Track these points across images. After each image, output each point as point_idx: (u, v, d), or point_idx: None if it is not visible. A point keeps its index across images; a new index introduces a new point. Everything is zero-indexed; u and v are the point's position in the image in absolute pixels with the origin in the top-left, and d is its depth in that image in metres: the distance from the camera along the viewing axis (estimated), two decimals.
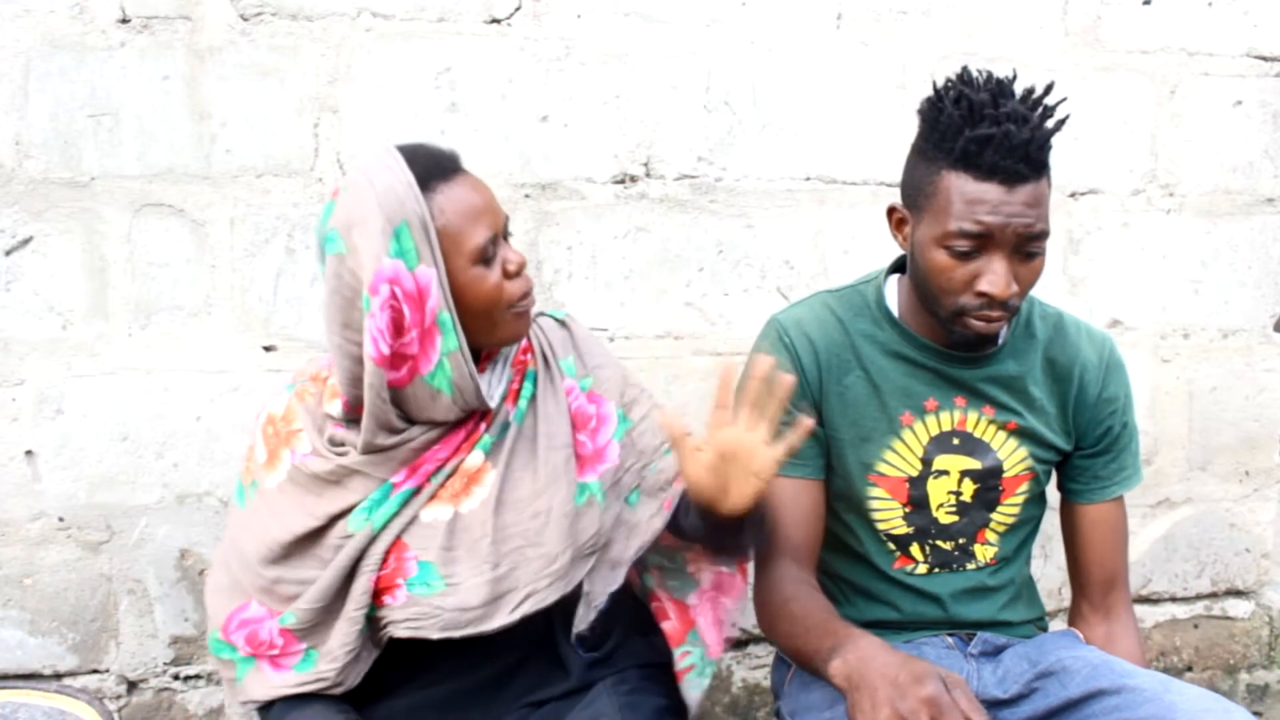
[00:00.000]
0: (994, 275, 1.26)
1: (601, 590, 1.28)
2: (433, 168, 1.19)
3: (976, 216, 1.24)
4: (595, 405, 1.34)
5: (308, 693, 1.23)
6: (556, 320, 1.41)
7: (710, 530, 1.24)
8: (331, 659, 1.22)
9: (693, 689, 1.35)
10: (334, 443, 1.25)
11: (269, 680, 1.24)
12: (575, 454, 1.30)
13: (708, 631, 1.42)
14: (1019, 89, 1.27)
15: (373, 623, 1.24)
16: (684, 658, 1.38)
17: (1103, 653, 1.39)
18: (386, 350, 1.16)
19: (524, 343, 1.33)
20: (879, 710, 1.07)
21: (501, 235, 1.24)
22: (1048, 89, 1.29)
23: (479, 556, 1.21)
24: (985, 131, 1.23)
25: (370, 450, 1.22)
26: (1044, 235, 1.27)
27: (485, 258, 1.20)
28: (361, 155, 1.20)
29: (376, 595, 1.22)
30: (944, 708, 1.04)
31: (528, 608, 1.21)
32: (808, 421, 1.14)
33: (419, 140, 1.26)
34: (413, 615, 1.21)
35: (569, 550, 1.24)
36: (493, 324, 1.23)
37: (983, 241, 1.25)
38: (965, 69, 1.30)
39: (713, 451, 1.13)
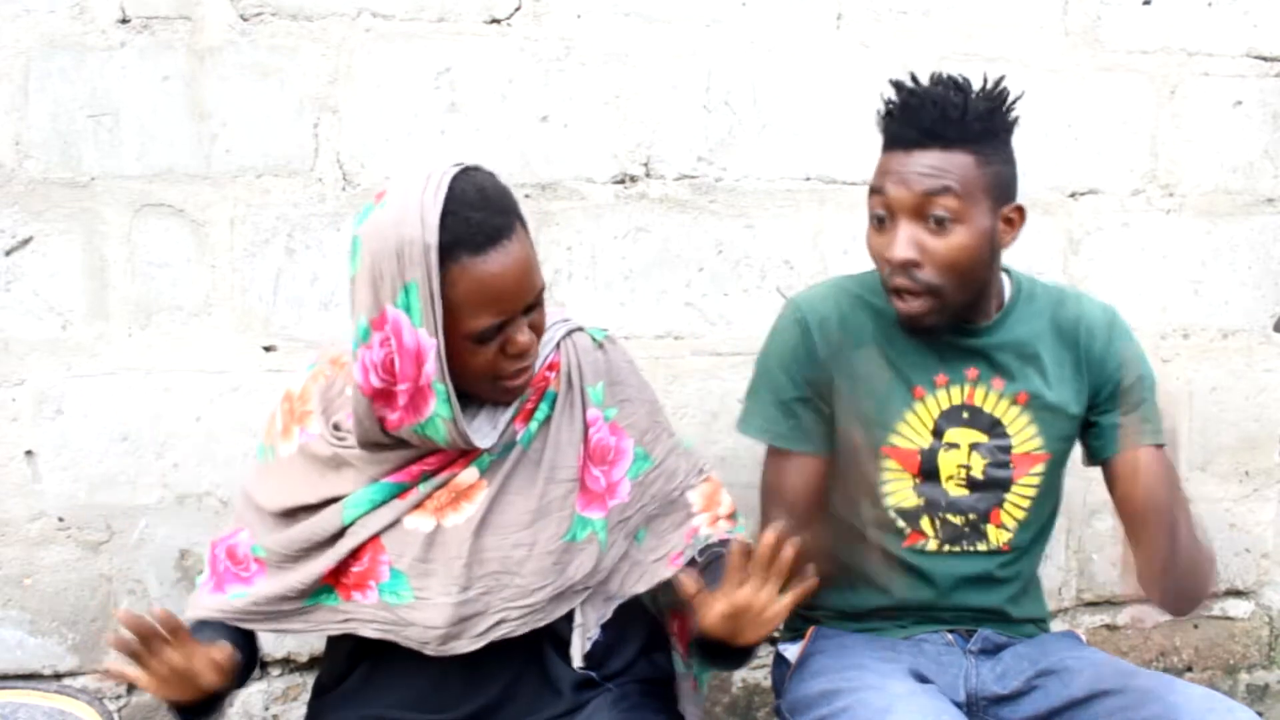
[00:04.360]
0: (893, 240, 1.33)
1: (593, 621, 1.27)
2: (468, 235, 1.11)
3: (878, 179, 1.35)
4: (616, 438, 1.30)
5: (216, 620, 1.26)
6: (595, 341, 1.35)
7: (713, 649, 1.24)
8: (251, 601, 1.24)
9: (698, 701, 1.36)
10: (338, 428, 1.26)
11: (201, 601, 1.28)
12: (583, 488, 1.26)
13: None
14: (966, 78, 1.34)
15: (328, 611, 1.25)
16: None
17: (1105, 653, 1.39)
18: (377, 383, 1.15)
19: (550, 359, 1.29)
20: None
21: (519, 313, 1.16)
22: (998, 81, 1.35)
23: (451, 576, 1.19)
24: (891, 106, 1.34)
25: (365, 448, 1.22)
26: (942, 193, 1.29)
27: (483, 339, 1.15)
28: (413, 178, 1.14)
29: (343, 590, 1.23)
30: None
31: (496, 634, 1.20)
32: (812, 581, 1.17)
33: (463, 168, 1.17)
34: (382, 620, 1.21)
35: (549, 587, 1.21)
36: (476, 389, 1.20)
37: (889, 207, 1.33)
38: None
39: (728, 605, 1.14)
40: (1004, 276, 1.46)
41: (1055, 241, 2.07)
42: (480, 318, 1.13)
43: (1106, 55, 2.05)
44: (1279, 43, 2.11)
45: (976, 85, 1.34)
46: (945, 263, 1.31)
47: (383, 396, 1.16)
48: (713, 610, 1.14)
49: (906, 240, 1.31)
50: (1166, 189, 2.11)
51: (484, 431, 1.22)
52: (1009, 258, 1.46)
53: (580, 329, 1.34)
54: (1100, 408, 1.45)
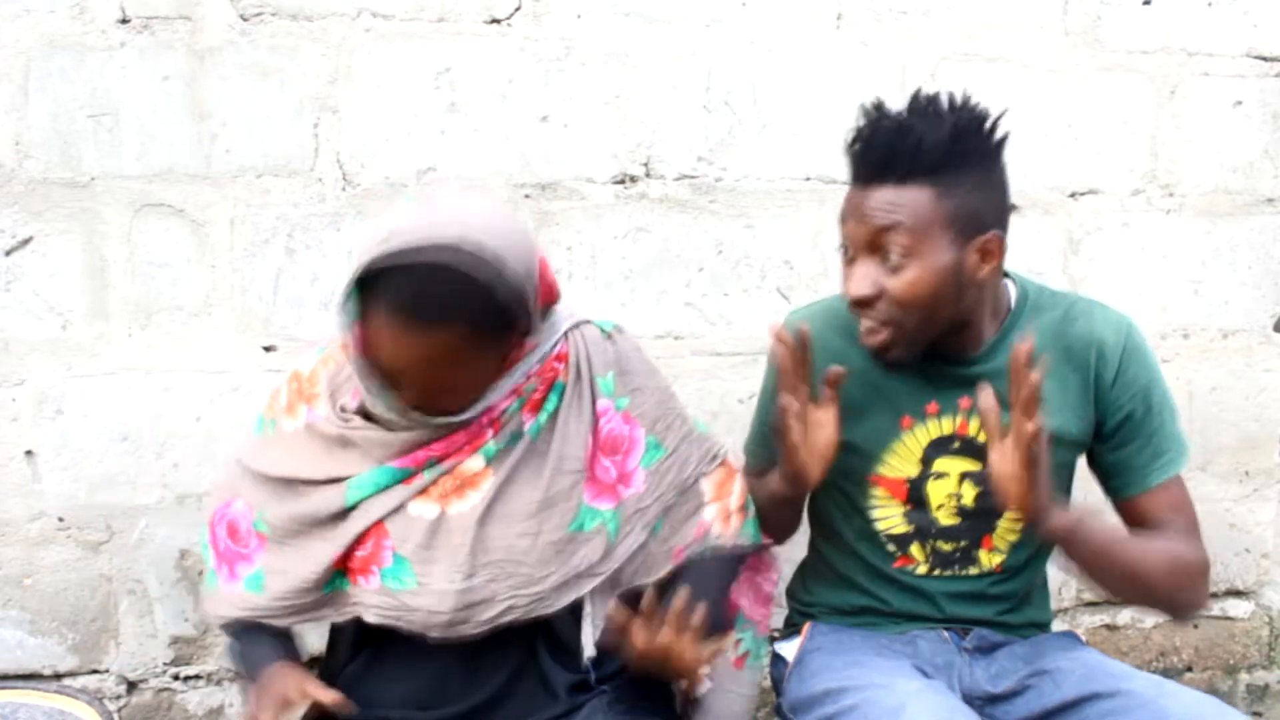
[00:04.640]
0: (851, 275, 1.30)
1: (602, 610, 1.27)
2: (401, 295, 1.09)
3: (842, 213, 1.31)
4: (629, 427, 1.30)
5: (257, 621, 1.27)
6: (603, 331, 1.33)
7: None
8: (273, 596, 1.25)
9: (751, 673, 1.37)
10: (344, 410, 1.26)
11: (223, 595, 1.29)
12: (592, 478, 1.27)
13: (754, 611, 1.45)
14: (948, 100, 1.28)
15: (343, 596, 1.25)
16: (738, 645, 1.40)
17: (1100, 655, 1.39)
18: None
19: (557, 350, 1.28)
20: None
21: (412, 387, 1.15)
22: (966, 101, 1.28)
23: (455, 563, 1.20)
24: (852, 137, 1.30)
25: (368, 416, 1.22)
26: (892, 229, 1.24)
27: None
28: (429, 212, 1.14)
29: (350, 574, 1.24)
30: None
31: (505, 620, 1.21)
32: (726, 637, 1.25)
33: (479, 252, 1.10)
34: (386, 605, 1.22)
35: (553, 576, 1.22)
36: None
37: (852, 241, 1.30)
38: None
39: (645, 647, 1.20)
40: (1009, 285, 1.40)
41: (1055, 241, 2.08)
42: (375, 356, 1.15)
43: (1106, 55, 2.05)
44: (1279, 43, 2.11)
45: (960, 102, 1.27)
46: (901, 300, 1.27)
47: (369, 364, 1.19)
48: (635, 646, 1.20)
49: (862, 277, 1.28)
50: (1166, 189, 2.11)
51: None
52: (1010, 260, 1.43)
53: (588, 321, 1.34)
54: (1109, 440, 1.39)
